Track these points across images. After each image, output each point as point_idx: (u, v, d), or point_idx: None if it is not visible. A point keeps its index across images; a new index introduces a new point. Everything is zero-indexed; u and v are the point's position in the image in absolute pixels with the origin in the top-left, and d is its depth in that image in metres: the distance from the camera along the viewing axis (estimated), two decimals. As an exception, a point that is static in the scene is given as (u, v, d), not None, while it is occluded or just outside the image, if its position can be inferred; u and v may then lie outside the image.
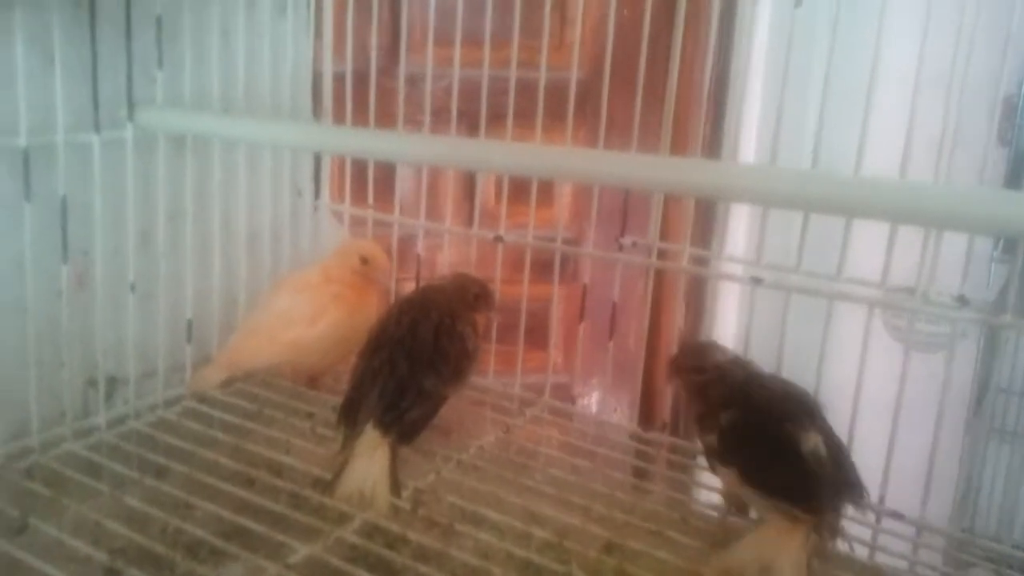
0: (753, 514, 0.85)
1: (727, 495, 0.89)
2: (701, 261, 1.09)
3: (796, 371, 0.94)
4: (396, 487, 0.82)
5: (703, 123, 1.01)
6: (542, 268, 1.14)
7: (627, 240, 1.08)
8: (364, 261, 1.08)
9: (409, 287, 1.17)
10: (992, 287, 1.70)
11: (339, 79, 1.19)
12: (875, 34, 0.85)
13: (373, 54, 1.14)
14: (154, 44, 1.00)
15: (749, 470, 0.79)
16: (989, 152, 1.20)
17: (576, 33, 1.10)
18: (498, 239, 1.10)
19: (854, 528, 0.90)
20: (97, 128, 0.97)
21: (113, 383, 1.04)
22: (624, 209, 1.14)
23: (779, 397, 0.82)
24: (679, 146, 1.32)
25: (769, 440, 0.78)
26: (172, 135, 1.03)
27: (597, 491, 0.91)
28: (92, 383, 1.01)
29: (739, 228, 1.31)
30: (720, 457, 0.83)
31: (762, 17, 1.35)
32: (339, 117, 1.19)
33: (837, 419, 0.91)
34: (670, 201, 1.16)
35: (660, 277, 1.44)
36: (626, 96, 1.05)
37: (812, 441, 0.77)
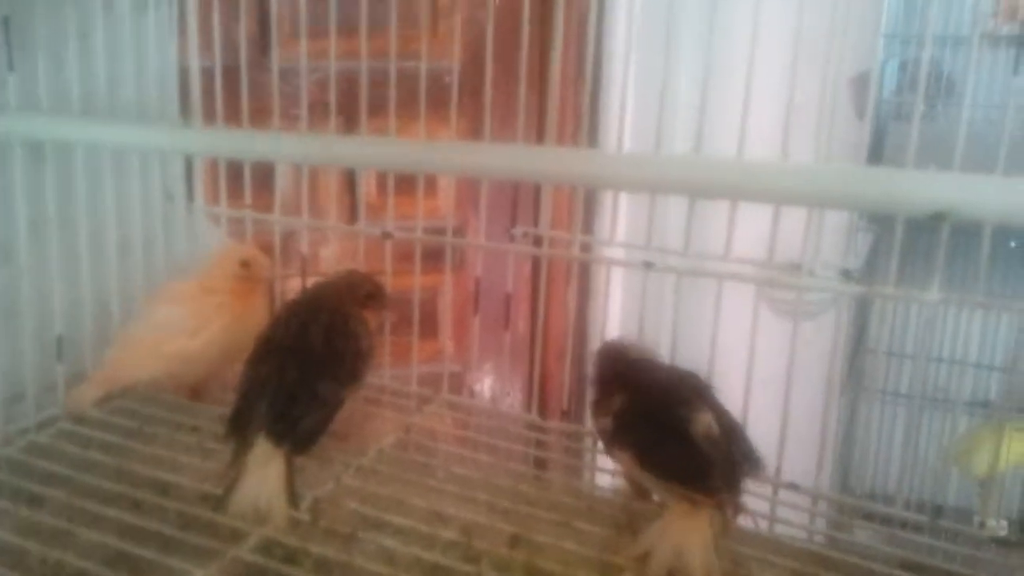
0: (656, 497, 0.86)
1: (628, 479, 0.89)
2: (587, 247, 1.10)
3: (682, 350, 0.96)
4: (293, 498, 0.79)
5: (586, 111, 1.01)
6: (429, 257, 1.12)
7: (518, 230, 1.07)
8: (244, 265, 1.04)
9: (294, 285, 1.13)
10: (859, 255, 1.78)
11: (208, 74, 1.13)
12: (749, 16, 0.86)
13: (242, 48, 1.10)
14: (3, 47, 0.94)
15: (644, 454, 0.80)
16: (853, 128, 1.25)
17: (453, 22, 1.08)
18: (386, 235, 1.07)
19: (751, 502, 0.93)
20: (-58, 137, 0.90)
21: (-22, 408, 0.97)
22: (514, 199, 1.13)
23: (668, 380, 0.84)
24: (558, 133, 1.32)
25: (662, 424, 0.79)
26: (29, 141, 0.97)
27: (500, 485, 0.90)
28: (-45, 409, 0.94)
29: (619, 213, 1.33)
30: (615, 441, 0.84)
31: (635, 3, 1.36)
32: (209, 114, 1.13)
33: (723, 393, 0.94)
34: (556, 189, 1.16)
35: (548, 264, 1.45)
36: (502, 84, 1.04)
37: (704, 422, 0.77)
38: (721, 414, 0.80)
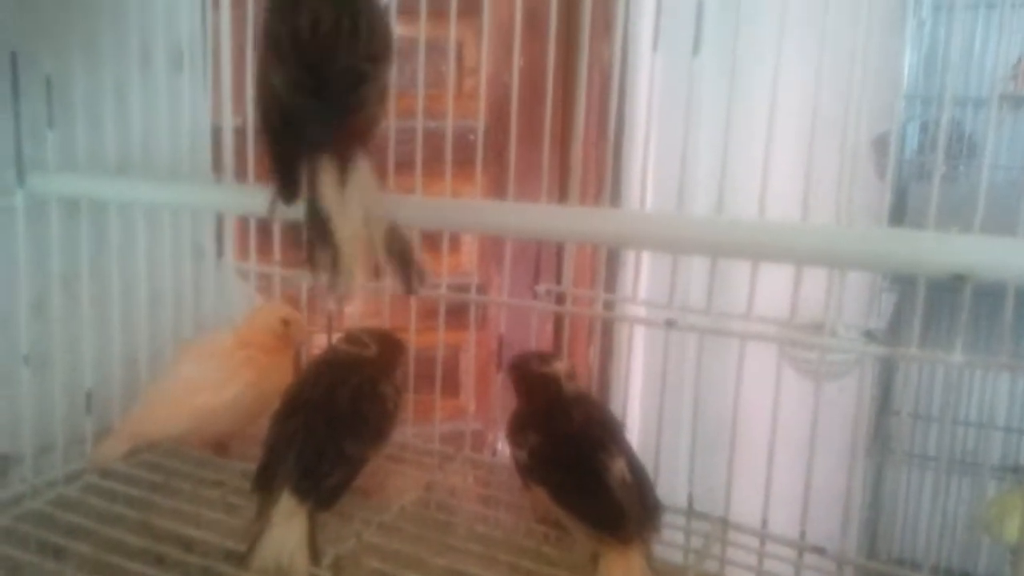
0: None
1: (540, 511, 0.92)
2: (609, 305, 1.10)
3: (704, 409, 0.96)
4: (316, 555, 0.79)
5: (609, 170, 1.03)
6: (452, 314, 1.13)
7: (541, 288, 1.08)
8: (285, 323, 1.07)
9: (320, 341, 1.14)
10: (883, 315, 1.77)
11: (240, 134, 1.16)
12: (768, 79, 0.88)
13: (274, 108, 1.12)
14: (44, 105, 0.97)
15: (560, 492, 0.84)
16: (874, 189, 1.26)
17: (479, 82, 1.10)
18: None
19: (775, 565, 0.92)
20: (-16, 194, 0.93)
21: (7, 461, 0.98)
22: (538, 256, 1.15)
23: (583, 419, 0.87)
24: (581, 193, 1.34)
25: (578, 468, 0.83)
26: (65, 199, 0.99)
27: (522, 545, 0.90)
28: (-16, 461, 0.96)
29: (641, 271, 1.34)
30: (531, 476, 0.88)
31: (655, 66, 1.38)
32: (241, 172, 1.16)
33: (746, 453, 0.94)
34: (579, 247, 1.17)
35: (570, 321, 1.45)
36: (526, 143, 1.06)
37: (619, 470, 0.82)
38: (631, 458, 0.84)
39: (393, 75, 0.80)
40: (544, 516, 0.91)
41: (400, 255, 0.75)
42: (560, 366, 0.92)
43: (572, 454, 0.85)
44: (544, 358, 0.94)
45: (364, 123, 0.76)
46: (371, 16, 0.76)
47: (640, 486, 0.83)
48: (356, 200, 0.73)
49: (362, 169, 0.74)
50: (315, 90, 0.74)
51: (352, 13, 0.75)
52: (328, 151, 0.73)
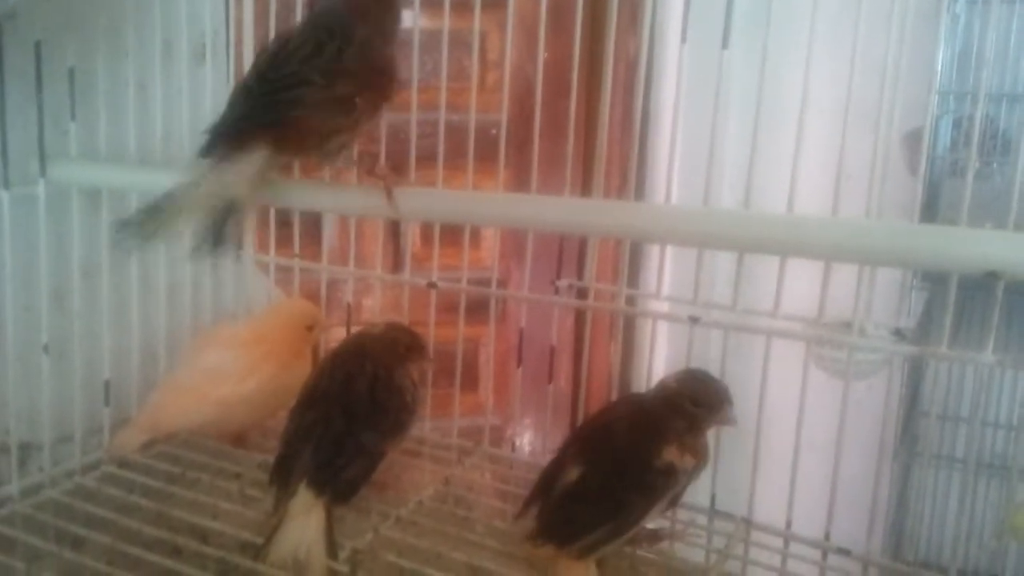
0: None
1: None
2: (632, 301, 1.09)
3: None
4: (332, 549, 0.79)
5: (633, 164, 1.02)
6: (471, 308, 1.12)
7: (563, 283, 1.07)
8: (310, 328, 1.07)
9: (337, 335, 1.14)
10: (913, 314, 1.74)
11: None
12: (799, 73, 0.86)
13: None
14: (67, 96, 0.97)
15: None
16: (906, 185, 1.23)
17: (503, 76, 1.09)
18: (431, 286, 1.08)
19: (799, 566, 0.90)
20: (6, 184, 0.93)
21: (26, 449, 0.99)
22: (560, 251, 1.13)
23: (605, 423, 0.85)
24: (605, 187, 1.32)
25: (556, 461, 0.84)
26: (86, 189, 0.99)
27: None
28: (4, 450, 0.96)
29: (665, 266, 1.33)
30: None
31: (683, 59, 1.37)
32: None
33: (771, 453, 0.92)
34: (601, 241, 1.16)
35: (592, 317, 1.44)
36: (549, 137, 1.05)
37: (569, 477, 0.80)
38: (595, 474, 0.80)
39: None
40: None
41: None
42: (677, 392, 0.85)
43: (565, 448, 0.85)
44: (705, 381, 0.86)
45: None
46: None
47: (581, 502, 0.79)
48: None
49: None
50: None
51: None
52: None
